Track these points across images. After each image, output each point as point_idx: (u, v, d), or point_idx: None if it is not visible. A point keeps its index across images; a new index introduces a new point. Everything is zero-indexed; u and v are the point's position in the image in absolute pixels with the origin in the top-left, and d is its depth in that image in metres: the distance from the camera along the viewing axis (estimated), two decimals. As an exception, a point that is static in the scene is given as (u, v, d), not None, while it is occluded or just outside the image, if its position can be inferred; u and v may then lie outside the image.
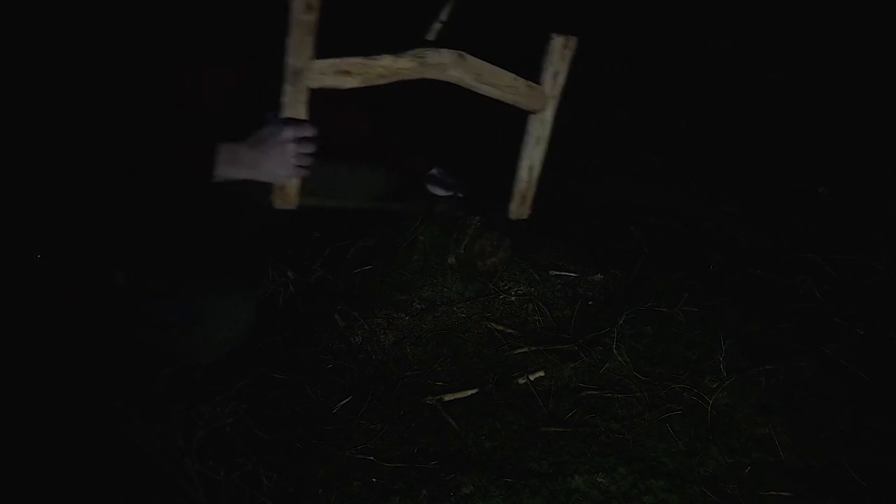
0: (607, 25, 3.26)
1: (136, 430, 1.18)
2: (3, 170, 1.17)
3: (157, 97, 1.23)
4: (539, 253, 1.83)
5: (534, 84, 1.45)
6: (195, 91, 1.27)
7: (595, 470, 1.21)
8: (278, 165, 1.29)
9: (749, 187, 2.43)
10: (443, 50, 1.34)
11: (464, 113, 2.32)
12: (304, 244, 1.74)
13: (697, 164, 2.60)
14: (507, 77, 1.42)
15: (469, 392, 1.39)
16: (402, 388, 1.40)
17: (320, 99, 1.26)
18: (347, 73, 1.27)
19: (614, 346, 1.51)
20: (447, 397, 1.38)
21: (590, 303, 1.69)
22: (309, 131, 1.29)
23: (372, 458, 1.22)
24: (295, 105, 1.27)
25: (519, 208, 1.62)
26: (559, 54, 1.43)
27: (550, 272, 1.77)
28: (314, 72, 1.23)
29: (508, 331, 1.58)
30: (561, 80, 1.47)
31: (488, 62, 1.38)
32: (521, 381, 1.43)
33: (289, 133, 1.27)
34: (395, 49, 1.31)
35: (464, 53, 1.34)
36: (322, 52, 1.22)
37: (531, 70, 1.46)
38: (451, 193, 1.86)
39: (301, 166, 1.31)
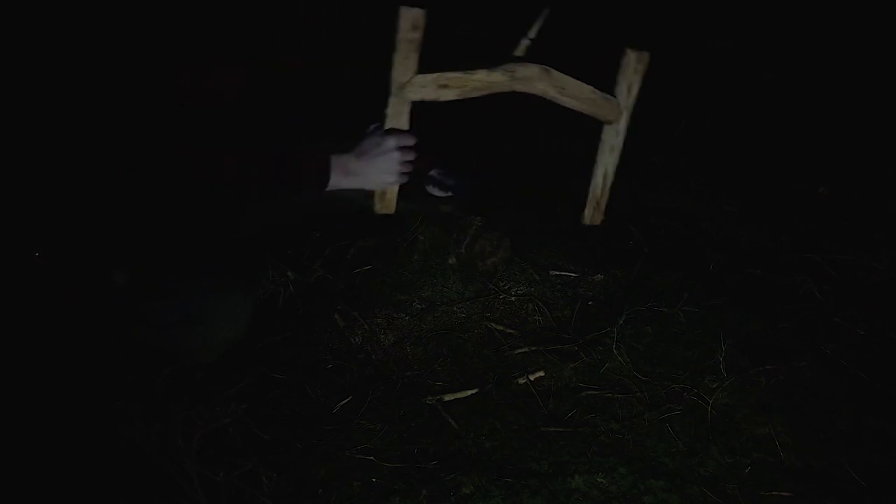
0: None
1: (136, 430, 1.18)
2: (3, 169, 1.17)
3: (157, 97, 1.23)
4: (539, 253, 1.83)
5: (610, 96, 1.52)
6: (198, 91, 1.28)
7: (595, 470, 1.21)
8: (385, 173, 1.39)
9: (749, 187, 2.43)
10: (530, 64, 1.42)
11: (464, 114, 2.32)
12: (304, 244, 1.74)
13: (697, 164, 2.60)
14: (586, 90, 1.50)
15: (469, 392, 1.39)
16: (402, 388, 1.40)
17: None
18: (446, 86, 1.36)
19: (614, 346, 1.51)
20: (447, 397, 1.38)
21: (590, 303, 1.69)
22: (411, 140, 1.39)
23: (372, 458, 1.22)
24: (398, 116, 1.36)
25: (594, 214, 1.71)
26: (633, 69, 1.55)
27: (550, 272, 1.77)
28: (416, 85, 1.32)
29: (508, 331, 1.58)
30: (634, 92, 1.58)
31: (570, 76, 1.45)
32: (521, 381, 1.43)
33: (393, 142, 1.37)
34: (486, 64, 1.39)
35: (548, 68, 1.43)
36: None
37: (600, 82, 1.53)
38: (450, 194, 1.86)
39: (404, 173, 1.42)
